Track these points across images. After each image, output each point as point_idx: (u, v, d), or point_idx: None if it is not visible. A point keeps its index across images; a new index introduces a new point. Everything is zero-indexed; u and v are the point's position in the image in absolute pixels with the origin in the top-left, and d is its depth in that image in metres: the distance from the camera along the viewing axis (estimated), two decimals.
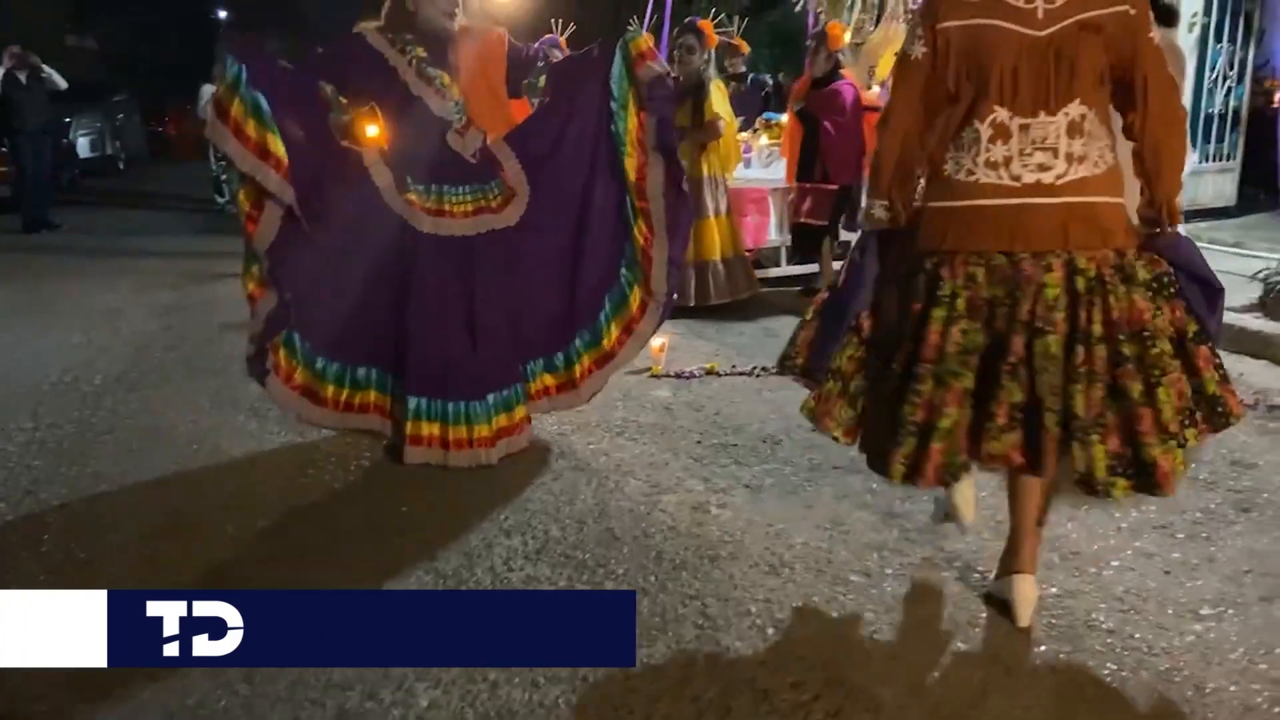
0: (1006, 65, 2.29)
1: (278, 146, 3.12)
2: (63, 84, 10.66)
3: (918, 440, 2.34)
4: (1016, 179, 2.30)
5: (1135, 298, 2.28)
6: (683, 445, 3.84)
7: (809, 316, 2.65)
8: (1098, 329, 2.26)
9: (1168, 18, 4.86)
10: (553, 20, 8.68)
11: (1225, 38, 8.11)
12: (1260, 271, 5.52)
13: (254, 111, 3.10)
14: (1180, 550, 2.96)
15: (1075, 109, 2.29)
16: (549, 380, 3.72)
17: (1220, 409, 2.33)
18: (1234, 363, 4.87)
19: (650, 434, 3.96)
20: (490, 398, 3.52)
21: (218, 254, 8.04)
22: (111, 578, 2.76)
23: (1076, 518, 3.17)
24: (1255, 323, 5.16)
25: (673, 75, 6.08)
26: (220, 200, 11.71)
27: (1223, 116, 8.32)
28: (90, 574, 2.80)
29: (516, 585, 2.76)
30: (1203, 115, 8.10)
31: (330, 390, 3.50)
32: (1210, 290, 2.39)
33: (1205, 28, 7.92)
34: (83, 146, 16.30)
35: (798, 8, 7.97)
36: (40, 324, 5.99)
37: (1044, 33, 2.28)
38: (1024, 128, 2.29)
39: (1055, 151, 2.29)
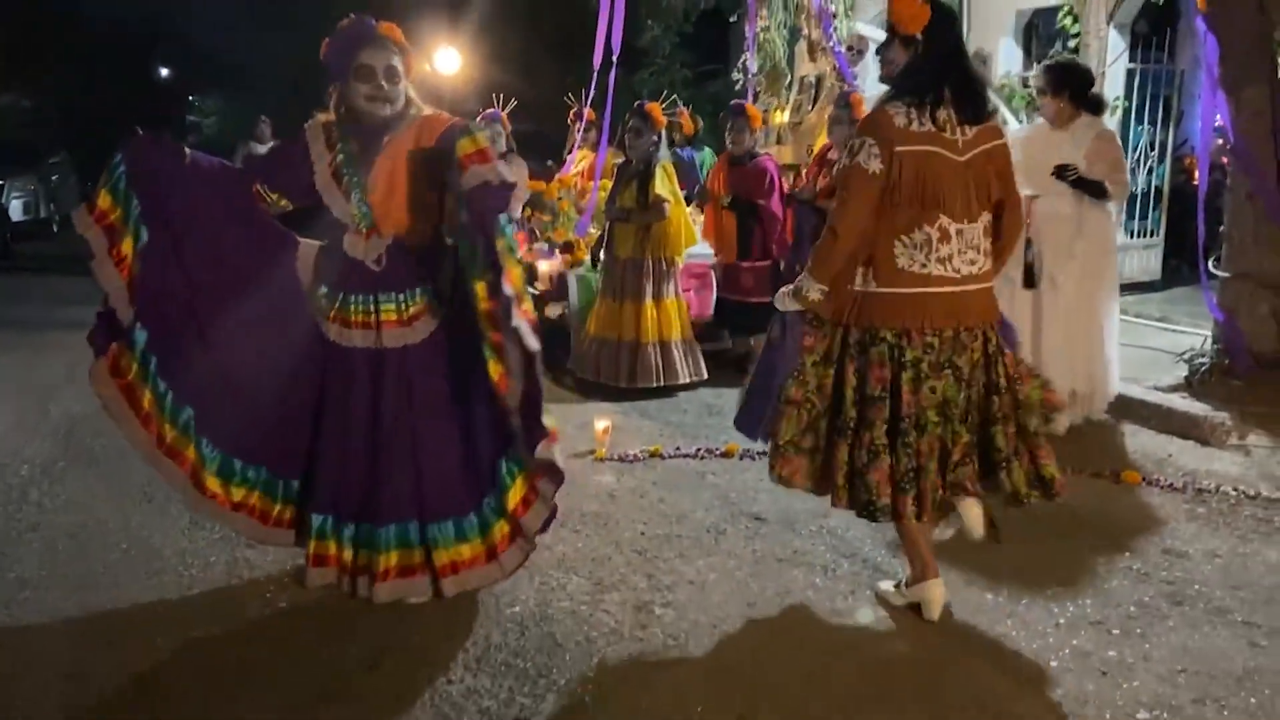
0: (946, 184, 2.93)
1: (129, 246, 3.03)
2: None
3: (915, 483, 2.94)
4: (957, 271, 2.96)
5: (1007, 353, 3.08)
6: (626, 537, 3.82)
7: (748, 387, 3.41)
8: (1002, 381, 3.02)
9: (1097, 107, 5.08)
10: (493, 95, 8.81)
11: (1146, 120, 8.44)
12: (1185, 352, 5.68)
13: (124, 208, 3.02)
14: (1116, 648, 3.00)
15: (983, 217, 3.02)
16: (463, 550, 3.13)
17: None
18: (1163, 443, 5.01)
19: (593, 524, 3.94)
20: (391, 529, 3.11)
21: None
22: (29, 695, 2.66)
23: (1015, 614, 3.21)
24: (1182, 403, 5.28)
25: (622, 159, 6.20)
26: None
27: (1145, 194, 8.63)
28: (8, 693, 2.69)
29: (457, 699, 2.71)
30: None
31: (211, 480, 3.15)
32: (1006, 328, 3.22)
33: (1127, 111, 8.24)
34: (15, 209, 15.99)
35: (738, 86, 8.13)
36: None
37: (964, 158, 2.96)
38: (959, 232, 2.96)
39: (979, 249, 3.00)
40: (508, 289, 2.78)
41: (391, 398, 3.11)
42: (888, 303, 2.95)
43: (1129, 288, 8.28)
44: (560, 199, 7.21)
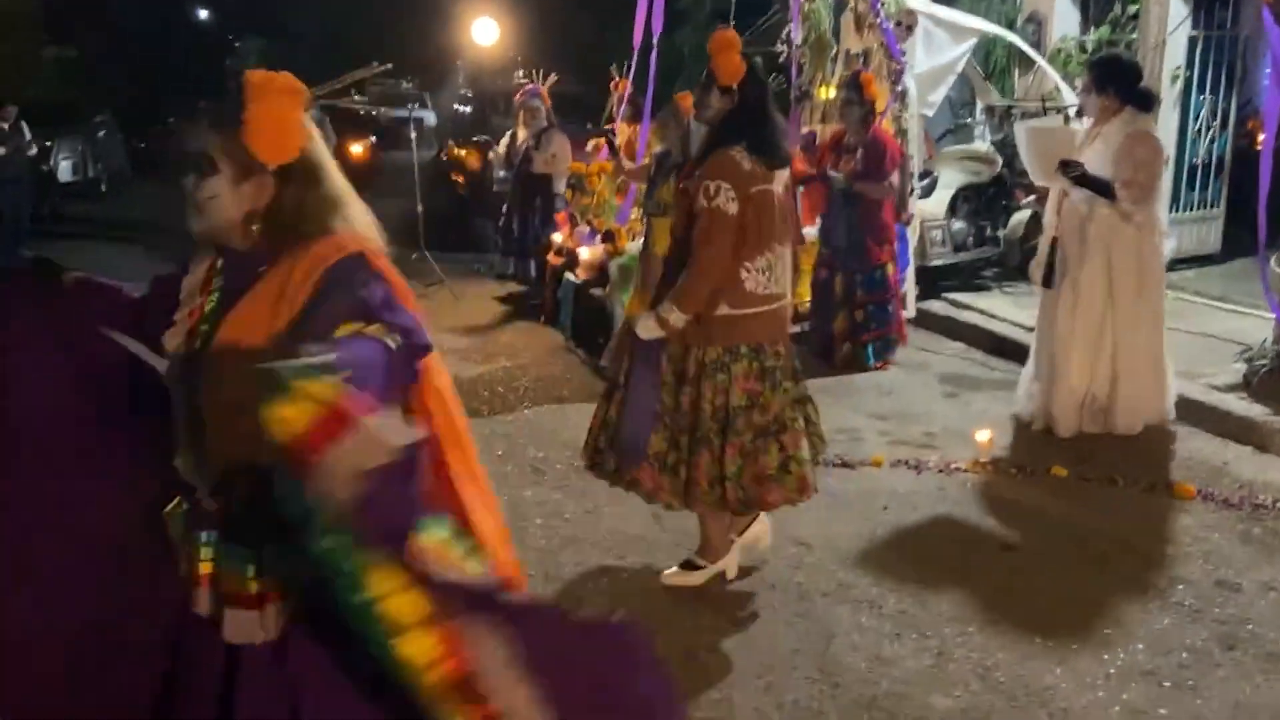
0: (776, 216, 3.35)
1: None
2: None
3: (790, 470, 3.36)
4: (782, 290, 3.45)
5: None
6: (671, 566, 3.81)
7: (610, 417, 3.54)
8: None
9: (1146, 102, 4.87)
10: (532, 70, 8.71)
11: (1208, 89, 8.13)
12: (1244, 351, 5.53)
13: None
14: (1168, 704, 2.97)
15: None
16: None
17: None
18: (1218, 449, 4.91)
19: (637, 550, 3.95)
20: None
21: None
22: None
23: (1066, 662, 3.18)
24: (1240, 405, 5.16)
25: (659, 150, 6.11)
26: None
27: (1206, 165, 8.35)
28: None
29: None
30: (1186, 165, 8.14)
31: None
32: None
33: (1188, 80, 7.95)
34: (64, 170, 16.16)
35: (781, 58, 7.94)
36: None
37: (781, 191, 3.39)
38: (780, 257, 3.40)
39: (787, 268, 3.52)
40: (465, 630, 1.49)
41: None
42: (742, 322, 3.33)
43: (1186, 261, 8.09)
44: (600, 188, 7.12)
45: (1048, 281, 4.92)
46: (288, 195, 1.75)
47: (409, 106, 15.27)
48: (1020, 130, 5.27)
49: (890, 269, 6.20)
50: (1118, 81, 4.72)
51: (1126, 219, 4.68)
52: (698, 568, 3.66)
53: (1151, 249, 4.84)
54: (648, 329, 3.34)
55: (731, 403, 3.32)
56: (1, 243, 10.29)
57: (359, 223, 1.84)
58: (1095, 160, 4.66)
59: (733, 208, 3.22)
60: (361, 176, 16.87)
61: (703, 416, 3.33)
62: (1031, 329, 6.35)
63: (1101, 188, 4.62)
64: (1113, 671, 3.14)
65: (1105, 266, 4.77)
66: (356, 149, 18.68)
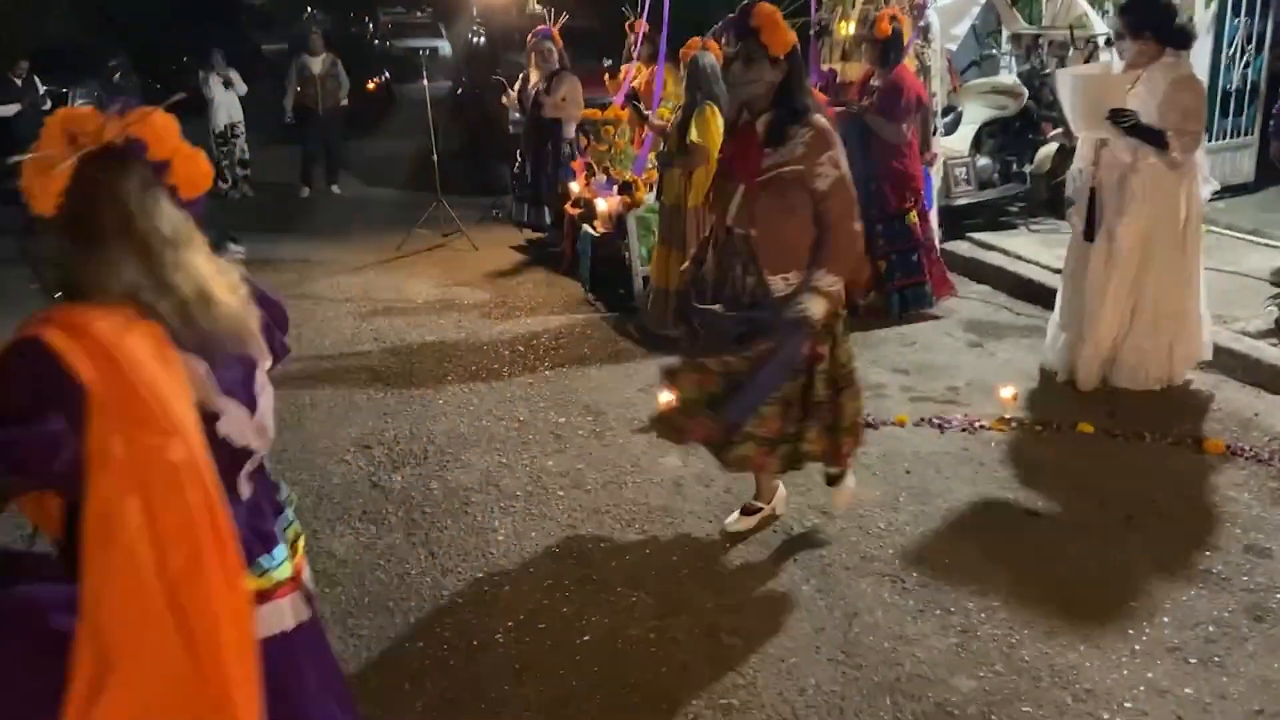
0: None
1: None
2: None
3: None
4: None
5: None
6: (692, 541, 3.82)
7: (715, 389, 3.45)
8: None
9: (1184, 40, 4.68)
10: (544, 9, 8.49)
11: (1243, 11, 7.82)
12: (1277, 295, 5.39)
13: None
14: (1193, 683, 2.96)
15: None
16: None
17: None
18: (1249, 399, 4.83)
19: (659, 523, 3.95)
20: None
21: None
22: None
23: (1090, 638, 3.17)
24: (1272, 352, 5.05)
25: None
26: (223, 186, 11.61)
27: (1239, 91, 8.07)
28: None
29: None
30: (1220, 91, 7.86)
31: None
32: None
33: (1222, 3, 7.64)
34: None
35: None
36: None
37: None
38: None
39: None
40: None
41: None
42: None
43: (1217, 193, 7.82)
44: (616, 138, 6.99)
45: (1089, 234, 4.79)
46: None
47: (423, 39, 14.98)
48: (1064, 78, 5.06)
49: (913, 217, 6.06)
50: (1154, 24, 4.54)
51: (1174, 168, 4.56)
52: (755, 511, 3.85)
53: (1192, 196, 4.73)
54: (821, 307, 3.26)
55: (840, 360, 3.46)
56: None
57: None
58: (1138, 108, 4.51)
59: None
60: (375, 114, 16.66)
61: (817, 378, 3.41)
62: (1058, 271, 6.24)
63: (1155, 138, 4.48)
64: (1137, 648, 3.12)
65: (1146, 216, 4.65)
66: (369, 85, 18.48)
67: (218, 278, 1.72)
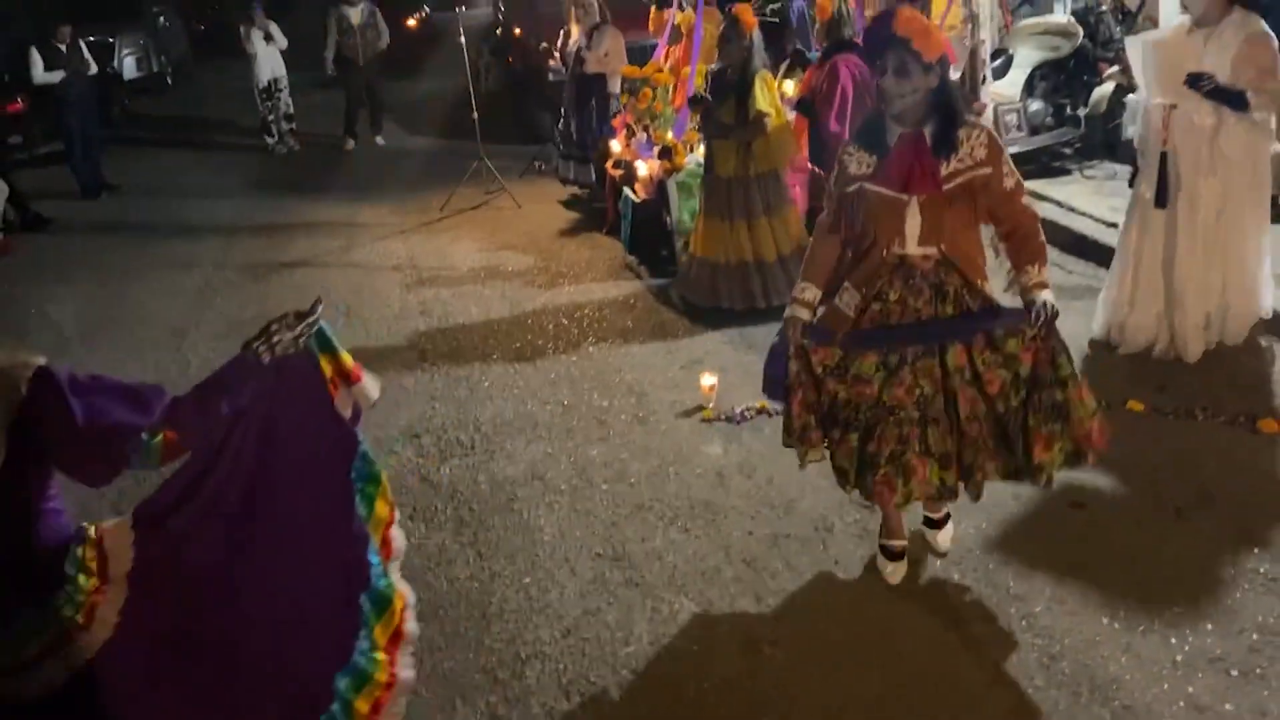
0: None
1: None
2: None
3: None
4: None
5: None
6: (735, 539, 3.87)
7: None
8: None
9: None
10: None
11: None
12: None
13: None
14: (1234, 698, 2.95)
15: None
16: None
17: None
18: None
19: (702, 520, 4.00)
20: None
21: (273, 230, 8.08)
22: None
23: (1131, 648, 3.17)
24: None
25: (715, 67, 5.85)
26: (270, 140, 11.68)
27: None
28: None
29: None
30: None
31: None
32: None
33: None
34: (129, 67, 16.20)
35: None
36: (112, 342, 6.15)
37: None
38: None
39: None
40: None
41: None
42: None
43: None
44: (655, 100, 6.88)
45: (1161, 201, 4.67)
46: None
47: None
48: (1135, 44, 4.87)
49: None
50: None
51: (1255, 128, 4.47)
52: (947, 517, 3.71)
53: (1265, 151, 4.64)
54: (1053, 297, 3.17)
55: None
56: (75, 164, 10.45)
57: None
58: (1213, 68, 4.36)
59: None
60: (415, 56, 16.54)
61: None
62: (1112, 225, 6.09)
63: (1236, 99, 4.34)
64: (1179, 658, 3.11)
65: (1225, 178, 4.55)
66: (410, 22, 18.24)
67: None
